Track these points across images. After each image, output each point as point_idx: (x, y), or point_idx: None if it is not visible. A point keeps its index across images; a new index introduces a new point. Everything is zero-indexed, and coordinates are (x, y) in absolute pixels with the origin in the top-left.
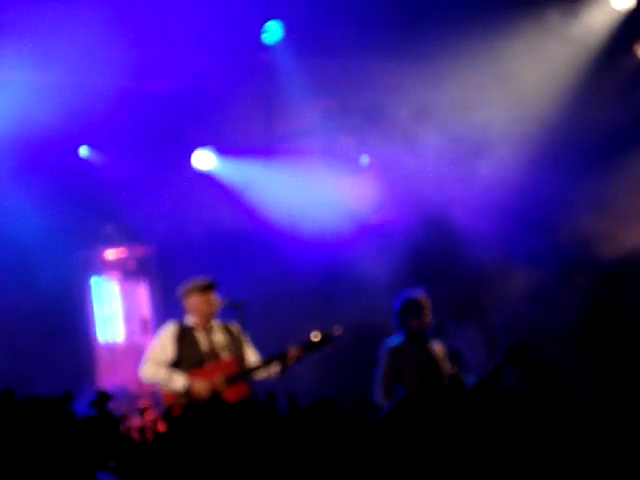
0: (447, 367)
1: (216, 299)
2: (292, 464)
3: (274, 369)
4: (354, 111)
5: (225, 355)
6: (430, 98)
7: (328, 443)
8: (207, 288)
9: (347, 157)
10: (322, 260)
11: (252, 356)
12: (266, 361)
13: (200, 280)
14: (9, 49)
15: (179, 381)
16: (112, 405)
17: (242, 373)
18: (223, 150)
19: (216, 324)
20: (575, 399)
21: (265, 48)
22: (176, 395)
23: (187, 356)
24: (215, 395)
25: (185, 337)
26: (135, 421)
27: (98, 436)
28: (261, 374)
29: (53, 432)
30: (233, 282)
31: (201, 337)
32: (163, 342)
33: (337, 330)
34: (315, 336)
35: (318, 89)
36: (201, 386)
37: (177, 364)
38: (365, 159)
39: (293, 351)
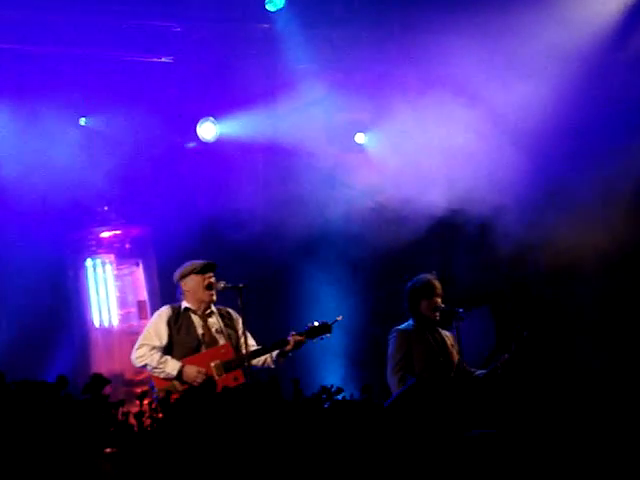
0: (457, 356)
1: (215, 282)
2: (296, 451)
3: (271, 357)
4: (360, 84)
5: (222, 340)
6: (441, 69)
7: (334, 430)
8: (206, 269)
9: (350, 131)
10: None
11: (250, 342)
12: (266, 347)
13: (196, 262)
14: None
15: (172, 366)
16: (107, 390)
17: (239, 359)
18: (225, 122)
19: (214, 308)
20: (591, 387)
21: (268, 17)
22: (168, 381)
23: (182, 341)
24: (208, 380)
25: (181, 321)
26: (132, 407)
27: (94, 422)
28: (259, 360)
29: (47, 417)
30: (233, 264)
31: (198, 321)
32: (157, 326)
33: (338, 318)
34: (316, 324)
35: (322, 60)
36: (194, 371)
37: (172, 349)
38: (361, 137)
39: (293, 338)
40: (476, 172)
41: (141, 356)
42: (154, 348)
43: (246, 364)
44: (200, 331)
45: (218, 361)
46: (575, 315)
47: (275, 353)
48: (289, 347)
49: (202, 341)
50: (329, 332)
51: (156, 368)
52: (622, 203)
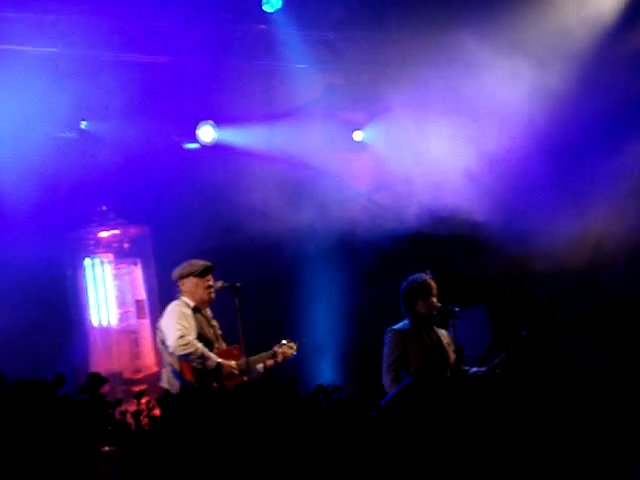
0: (452, 354)
1: (213, 283)
2: (293, 450)
3: (260, 367)
4: (357, 85)
5: (223, 342)
6: (437, 70)
7: (330, 428)
8: (205, 273)
9: (348, 131)
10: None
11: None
12: (262, 356)
13: (197, 263)
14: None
15: (213, 360)
16: (106, 390)
17: (248, 362)
18: (223, 123)
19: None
20: (587, 390)
21: (266, 19)
22: (200, 373)
23: (203, 337)
24: (243, 377)
25: (196, 318)
26: (130, 406)
27: (91, 421)
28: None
29: (44, 416)
30: (230, 264)
31: (205, 321)
32: (188, 320)
33: (302, 340)
34: (285, 342)
35: (319, 61)
36: (231, 367)
37: None
38: (359, 135)
39: (282, 352)
40: (475, 171)
41: (187, 344)
42: (196, 339)
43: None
44: (211, 330)
45: (233, 362)
46: (571, 315)
47: (261, 365)
48: (279, 359)
49: (214, 339)
50: (295, 352)
51: (199, 358)
52: (623, 200)
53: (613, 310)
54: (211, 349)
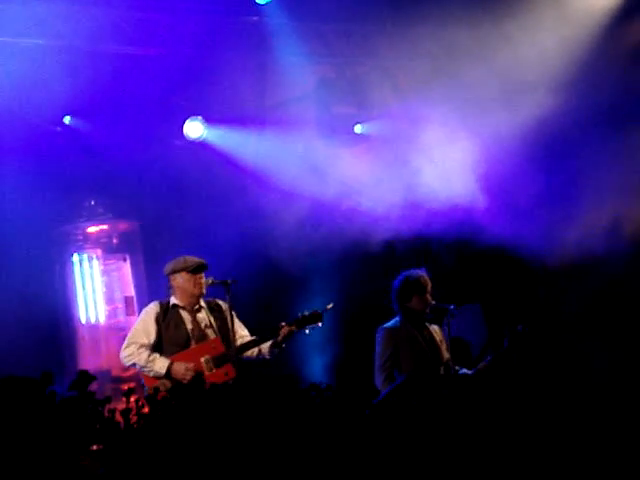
0: (445, 351)
1: (204, 280)
2: (284, 449)
3: (266, 347)
4: (351, 77)
5: (212, 335)
6: (432, 64)
7: (322, 427)
8: (198, 270)
9: (342, 126)
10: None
11: (242, 333)
12: (256, 340)
13: (190, 260)
14: None
15: (161, 364)
16: (94, 387)
17: (229, 352)
18: (213, 119)
19: (203, 303)
20: (589, 387)
21: (258, 10)
22: (158, 379)
23: (171, 337)
24: (197, 377)
25: (169, 317)
26: (119, 404)
27: (79, 419)
28: (254, 352)
29: (31, 413)
30: (220, 259)
31: (187, 317)
32: (145, 324)
33: (329, 306)
34: (306, 313)
35: (313, 54)
36: (182, 368)
37: (162, 346)
38: (359, 128)
39: (285, 328)
40: (476, 166)
41: (129, 355)
42: (142, 346)
43: (234, 358)
44: (189, 326)
45: (208, 356)
46: (568, 313)
47: (268, 344)
48: (280, 338)
49: (191, 336)
50: (320, 321)
51: (145, 367)
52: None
53: (616, 307)
54: (185, 347)
